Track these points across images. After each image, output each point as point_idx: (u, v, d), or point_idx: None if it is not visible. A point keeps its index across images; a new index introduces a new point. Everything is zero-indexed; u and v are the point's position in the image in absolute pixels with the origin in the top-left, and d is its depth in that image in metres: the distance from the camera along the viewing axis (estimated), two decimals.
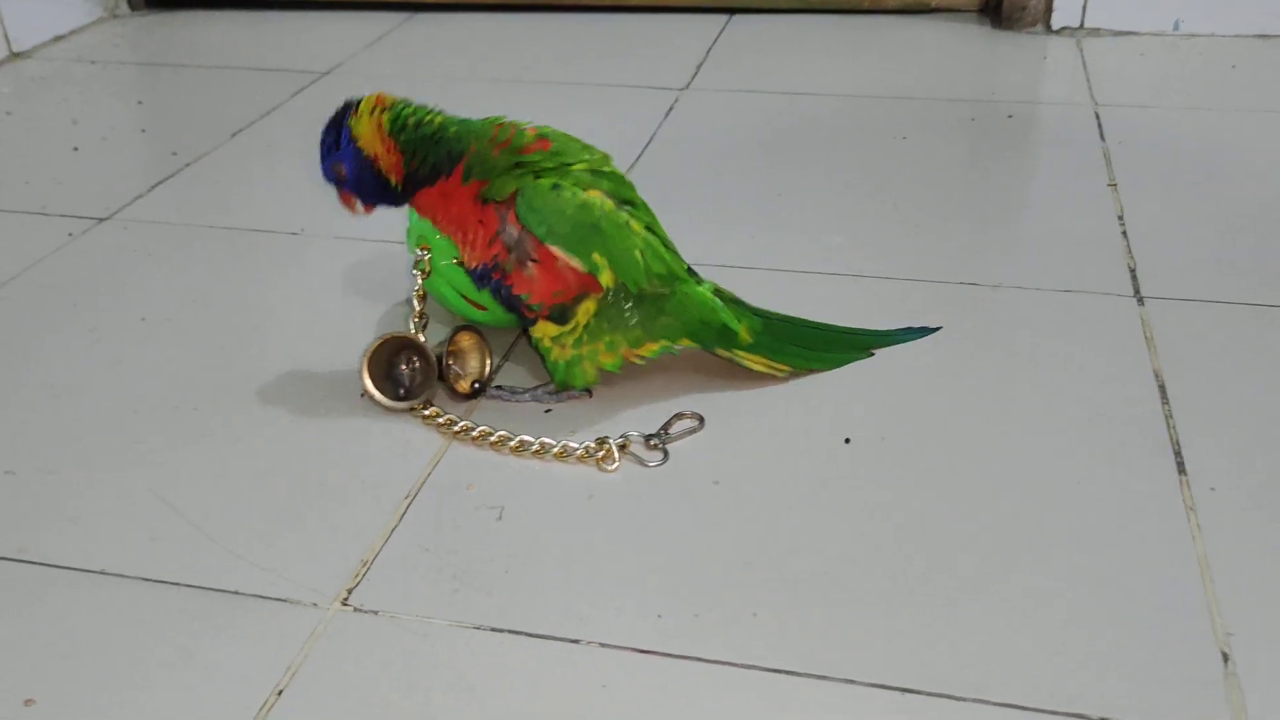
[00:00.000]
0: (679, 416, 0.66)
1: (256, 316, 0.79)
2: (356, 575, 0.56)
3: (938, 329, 0.74)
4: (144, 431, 0.67)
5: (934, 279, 0.81)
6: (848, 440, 0.65)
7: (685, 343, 0.67)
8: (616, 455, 0.63)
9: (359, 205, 0.66)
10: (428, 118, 0.63)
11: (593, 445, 0.64)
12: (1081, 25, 1.28)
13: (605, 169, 0.65)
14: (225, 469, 0.64)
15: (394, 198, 0.65)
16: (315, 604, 0.54)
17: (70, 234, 0.91)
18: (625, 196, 0.65)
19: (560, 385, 0.68)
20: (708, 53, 1.28)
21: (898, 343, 0.73)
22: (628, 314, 0.65)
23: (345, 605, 0.54)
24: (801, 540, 0.58)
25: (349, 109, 0.64)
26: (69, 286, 0.83)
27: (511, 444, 0.64)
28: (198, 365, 0.73)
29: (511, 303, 0.65)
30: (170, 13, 1.47)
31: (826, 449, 0.64)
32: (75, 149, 1.07)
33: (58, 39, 1.38)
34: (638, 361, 0.67)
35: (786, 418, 0.67)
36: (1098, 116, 1.07)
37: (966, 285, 0.80)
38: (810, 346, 0.70)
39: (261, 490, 0.62)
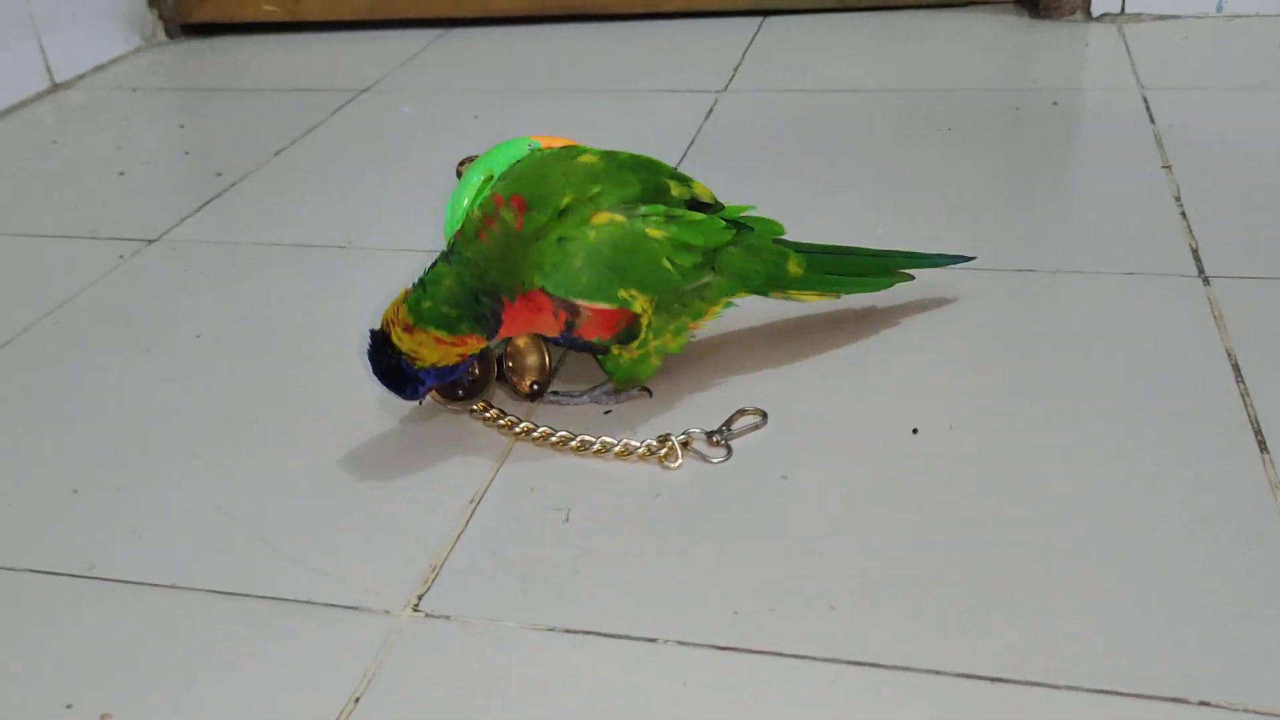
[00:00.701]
0: (741, 413, 0.65)
1: (309, 329, 0.79)
2: (426, 581, 0.55)
3: (973, 258, 0.75)
4: (204, 445, 0.67)
5: (991, 268, 0.79)
6: (915, 430, 0.63)
7: (742, 294, 0.67)
8: (679, 452, 0.62)
9: (465, 379, 0.65)
10: (436, 278, 0.61)
11: (654, 443, 0.63)
12: (1122, 11, 1.26)
13: (592, 186, 0.61)
14: (286, 480, 0.63)
15: (490, 336, 0.62)
16: (387, 610, 0.54)
17: (121, 256, 0.91)
18: (627, 194, 0.62)
19: (620, 384, 0.67)
20: (744, 55, 1.27)
21: (932, 266, 0.73)
22: (684, 298, 0.65)
23: (417, 611, 0.54)
24: (874, 532, 0.56)
25: (380, 343, 0.61)
26: (123, 307, 0.84)
27: (573, 444, 0.63)
28: (254, 379, 0.73)
29: (588, 347, 0.65)
30: (206, 39, 1.49)
31: (894, 439, 0.63)
32: (121, 174, 1.08)
33: (98, 68, 1.40)
34: (703, 327, 0.67)
35: (849, 409, 0.66)
36: (1145, 100, 1.05)
37: (1025, 272, 0.79)
38: (853, 272, 0.71)
39: (324, 499, 0.61)
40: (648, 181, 0.63)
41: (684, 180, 0.66)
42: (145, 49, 1.47)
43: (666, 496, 0.60)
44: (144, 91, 1.32)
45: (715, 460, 0.62)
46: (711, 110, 1.12)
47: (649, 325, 0.64)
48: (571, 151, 0.64)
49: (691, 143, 1.05)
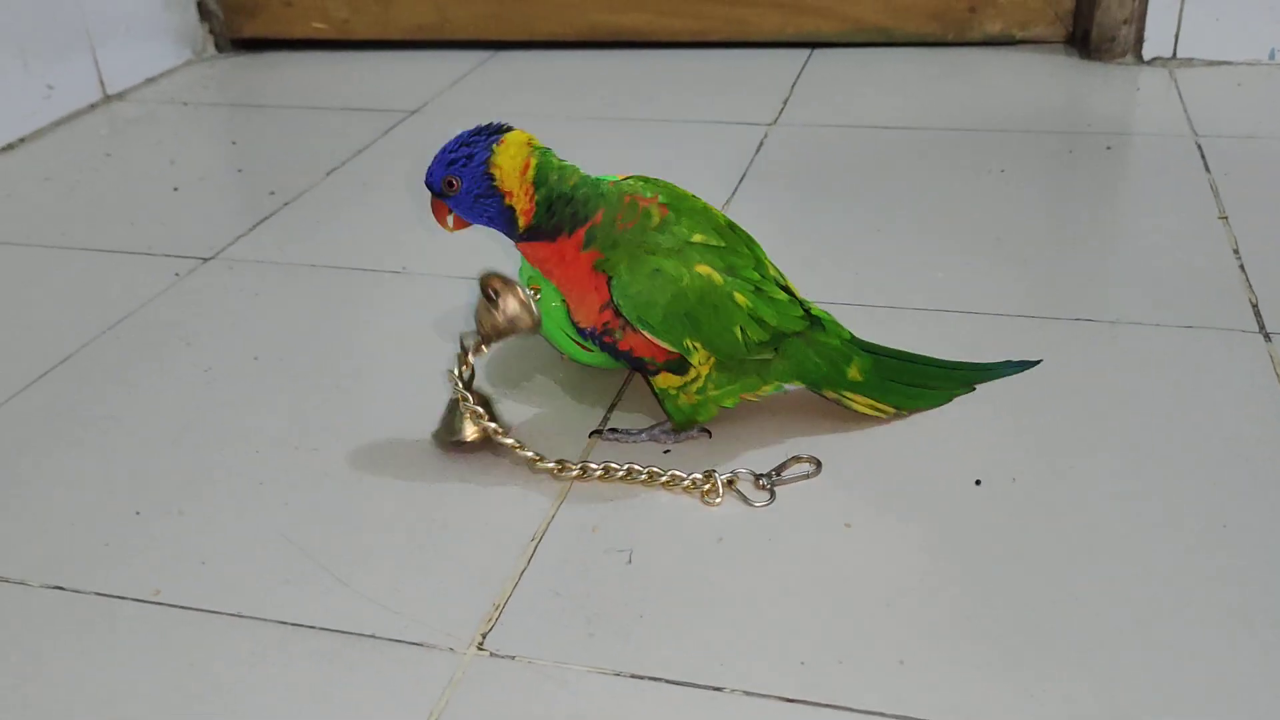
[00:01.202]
0: (795, 459, 0.65)
1: (365, 356, 0.79)
2: (490, 619, 0.55)
3: (1038, 362, 0.72)
4: (266, 472, 0.67)
5: (1046, 315, 0.79)
6: (978, 482, 0.63)
7: (797, 383, 0.67)
8: (721, 490, 0.62)
9: (450, 220, 0.64)
10: (568, 174, 0.63)
11: (699, 477, 0.63)
12: (1174, 55, 1.26)
13: (718, 240, 0.63)
14: (349, 511, 0.63)
15: (512, 234, 0.64)
16: (452, 649, 0.54)
17: (177, 274, 0.92)
18: (735, 261, 0.63)
19: (680, 425, 0.67)
20: (793, 87, 1.28)
21: (999, 376, 0.72)
22: (743, 366, 0.65)
23: (481, 650, 0.54)
24: (942, 584, 0.56)
25: (495, 133, 0.62)
26: (180, 326, 0.84)
27: (620, 474, 0.64)
28: (313, 404, 0.74)
29: (635, 363, 0.65)
30: (255, 54, 1.50)
31: (957, 491, 0.63)
32: (175, 189, 1.09)
33: (149, 81, 1.41)
34: (754, 399, 0.67)
35: (908, 460, 0.65)
36: (1200, 148, 1.05)
37: (1081, 321, 0.78)
38: (915, 382, 0.69)
39: (387, 532, 0.62)
40: (751, 256, 0.65)
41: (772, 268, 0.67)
42: (195, 62, 1.48)
43: (730, 542, 0.60)
44: (195, 106, 1.33)
45: (758, 504, 0.62)
46: (762, 144, 1.12)
47: (707, 376, 0.64)
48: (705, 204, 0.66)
49: (743, 177, 1.05)
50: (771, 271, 0.66)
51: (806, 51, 1.39)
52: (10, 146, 1.21)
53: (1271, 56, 1.24)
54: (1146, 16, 1.25)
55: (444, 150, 0.62)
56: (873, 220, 0.95)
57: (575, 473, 0.64)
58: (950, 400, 0.70)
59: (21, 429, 0.72)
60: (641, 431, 0.68)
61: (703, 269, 0.62)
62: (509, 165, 0.61)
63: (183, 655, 0.54)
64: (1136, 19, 1.26)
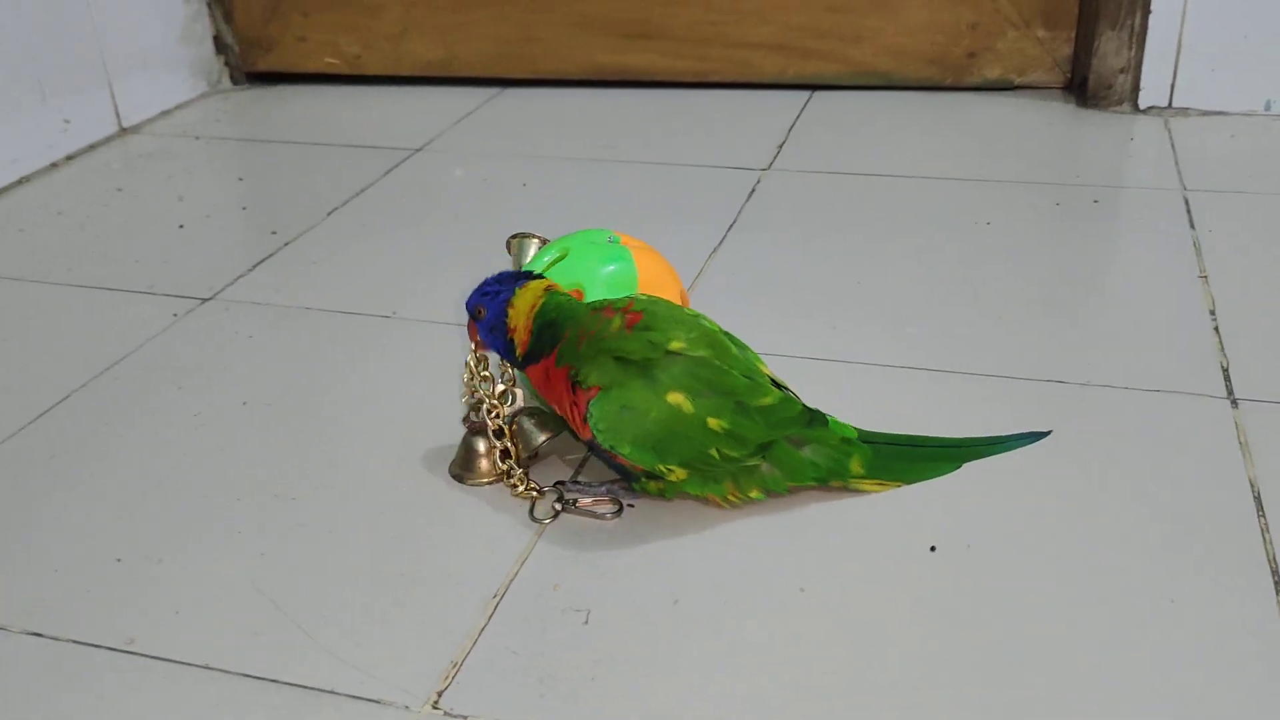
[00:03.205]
0: (604, 500, 0.69)
1: (350, 402, 0.82)
2: (447, 677, 0.57)
3: (1047, 433, 0.73)
4: (244, 521, 0.69)
5: (1018, 375, 0.80)
6: (933, 548, 0.64)
7: (792, 486, 0.68)
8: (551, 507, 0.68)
9: (479, 339, 0.70)
10: (557, 301, 0.67)
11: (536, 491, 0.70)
12: (1169, 104, 1.27)
13: (699, 349, 0.65)
14: (320, 561, 0.66)
15: (514, 361, 0.69)
16: (407, 706, 0.56)
17: (175, 314, 0.95)
18: (718, 369, 0.65)
19: (639, 490, 0.69)
20: (789, 131, 1.29)
21: (1009, 449, 0.72)
22: (719, 472, 0.66)
23: (436, 709, 0.55)
24: (896, 649, 0.58)
25: (523, 278, 0.69)
26: (174, 369, 0.87)
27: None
28: (296, 451, 0.76)
29: (617, 467, 0.68)
30: (268, 87, 1.54)
31: (912, 556, 0.64)
32: (181, 226, 1.12)
33: (164, 114, 1.45)
34: (725, 505, 0.68)
35: (867, 522, 0.67)
36: (1187, 202, 1.06)
37: (1052, 383, 0.80)
38: (920, 460, 0.71)
39: (355, 584, 0.64)
40: (741, 360, 0.66)
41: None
42: (210, 95, 1.52)
43: (685, 603, 0.62)
44: (207, 140, 1.37)
45: (543, 519, 0.68)
46: (754, 190, 1.14)
47: (682, 480, 0.66)
48: (696, 315, 0.68)
49: (732, 224, 1.07)
50: (765, 373, 0.67)
51: (807, 94, 1.41)
52: (27, 179, 1.25)
53: (1267, 108, 1.25)
54: (1143, 65, 1.26)
55: (484, 283, 0.70)
56: (854, 272, 0.97)
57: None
58: (959, 468, 0.71)
59: (16, 471, 0.75)
60: (602, 484, 0.70)
61: (674, 397, 0.64)
62: (522, 305, 0.67)
63: (151, 706, 0.56)
64: (1133, 68, 1.27)
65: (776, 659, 0.58)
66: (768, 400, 0.65)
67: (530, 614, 0.61)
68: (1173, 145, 1.19)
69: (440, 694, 0.56)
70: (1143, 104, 1.28)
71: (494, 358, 0.71)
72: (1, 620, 0.62)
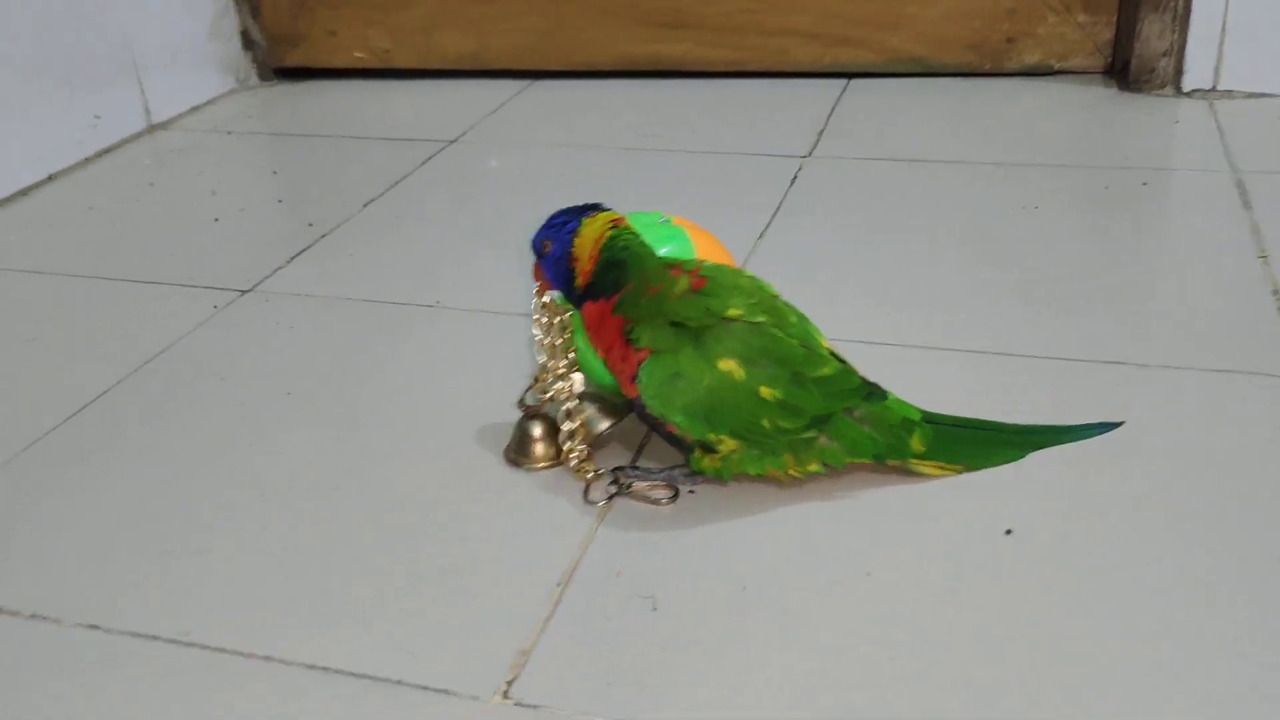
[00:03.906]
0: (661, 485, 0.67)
1: (395, 391, 0.80)
2: (515, 667, 0.56)
3: (1119, 424, 0.70)
4: (295, 511, 0.68)
5: (1075, 357, 0.79)
6: (1009, 531, 0.63)
7: (849, 461, 0.66)
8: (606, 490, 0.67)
9: (544, 278, 0.69)
10: (626, 240, 0.66)
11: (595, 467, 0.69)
12: (1214, 87, 1.25)
13: (758, 316, 0.63)
14: (375, 552, 0.64)
15: (572, 296, 0.67)
16: (476, 696, 0.54)
17: (215, 306, 0.94)
18: (776, 337, 0.63)
19: (697, 471, 0.67)
20: (828, 119, 1.28)
21: (1077, 439, 0.70)
22: (777, 444, 0.64)
23: (506, 699, 0.54)
24: (966, 634, 0.56)
25: (590, 209, 0.68)
26: (216, 360, 0.86)
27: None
28: (344, 442, 0.74)
29: (667, 436, 0.66)
30: (297, 83, 1.53)
31: (985, 540, 0.62)
32: (216, 220, 1.11)
33: (194, 109, 1.44)
34: (786, 480, 0.66)
35: (934, 508, 0.65)
36: (1240, 184, 1.04)
37: (1113, 364, 0.78)
38: (983, 445, 0.68)
39: (412, 575, 0.62)
40: (800, 329, 0.65)
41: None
42: (239, 91, 1.51)
43: (754, 589, 0.60)
44: (238, 135, 1.36)
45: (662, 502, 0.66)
46: (796, 177, 1.13)
47: (735, 451, 0.64)
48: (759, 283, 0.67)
49: (776, 210, 1.05)
50: (824, 345, 0.66)
51: (844, 82, 1.39)
52: (57, 175, 1.24)
53: None
54: (1186, 48, 1.24)
55: (550, 217, 0.68)
56: (904, 256, 0.95)
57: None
58: (1024, 456, 0.68)
59: (60, 463, 0.74)
60: (661, 471, 0.68)
61: (726, 364, 0.62)
62: (589, 235, 0.66)
63: (212, 697, 0.55)
64: (1176, 51, 1.25)
65: (846, 645, 0.56)
66: (825, 371, 0.64)
67: (595, 602, 0.60)
68: (1219, 128, 1.17)
69: (509, 684, 0.55)
70: (1186, 87, 1.26)
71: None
72: (55, 613, 0.61)
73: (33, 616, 0.61)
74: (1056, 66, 1.35)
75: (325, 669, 0.56)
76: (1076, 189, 1.06)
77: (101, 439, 0.76)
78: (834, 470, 0.66)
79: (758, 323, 0.63)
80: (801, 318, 0.66)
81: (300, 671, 0.56)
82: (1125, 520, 0.63)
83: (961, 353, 0.80)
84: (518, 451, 0.71)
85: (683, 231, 0.73)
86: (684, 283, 0.64)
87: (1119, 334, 0.81)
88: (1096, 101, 1.28)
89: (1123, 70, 1.30)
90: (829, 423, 0.64)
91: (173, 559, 0.65)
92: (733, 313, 0.63)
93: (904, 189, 1.09)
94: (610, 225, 0.66)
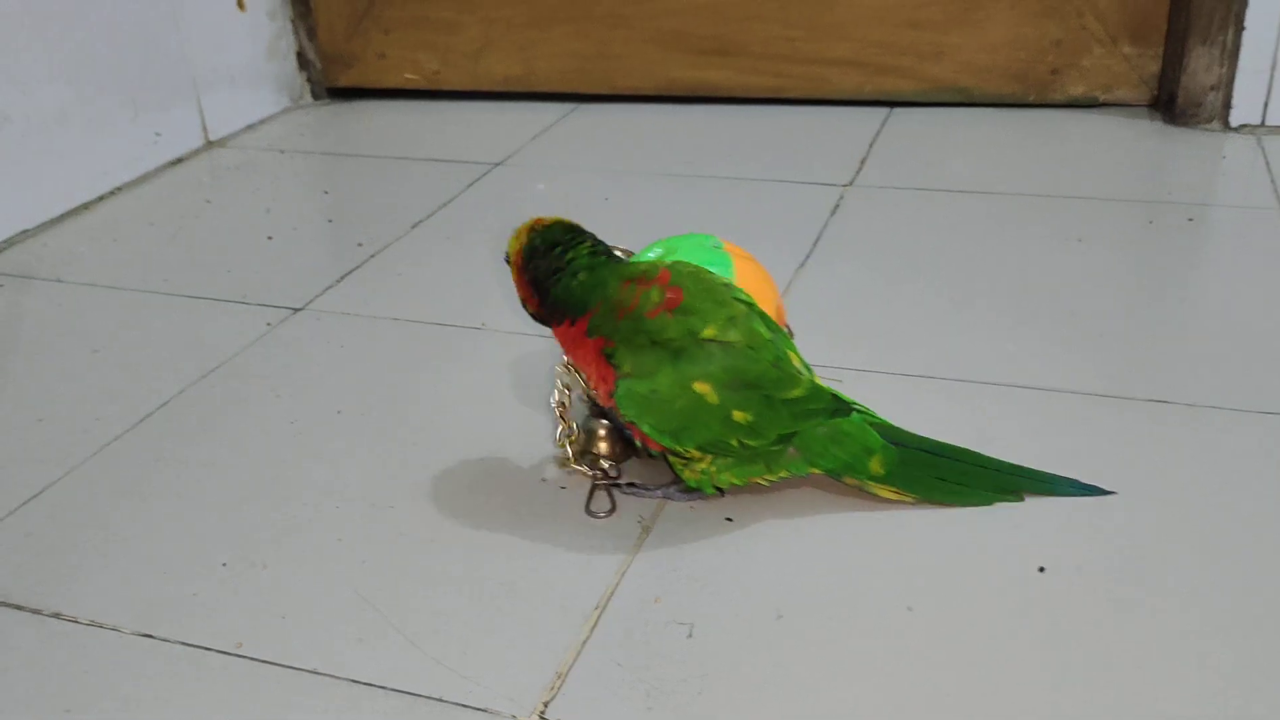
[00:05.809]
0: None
1: (443, 412, 0.82)
2: (552, 688, 0.57)
3: (1111, 493, 0.69)
4: (345, 528, 0.70)
5: (1120, 394, 0.79)
6: (1042, 569, 0.63)
7: (813, 471, 0.68)
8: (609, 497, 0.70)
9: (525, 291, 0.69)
10: (557, 251, 0.65)
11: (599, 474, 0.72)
12: (1263, 123, 1.24)
13: (731, 334, 0.63)
14: (422, 570, 0.66)
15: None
16: (514, 716, 0.56)
17: (269, 323, 0.96)
18: (749, 358, 0.64)
19: (691, 487, 0.68)
20: (870, 147, 1.29)
21: (1056, 493, 0.69)
22: (748, 456, 0.66)
23: (543, 719, 0.55)
24: (1001, 672, 0.56)
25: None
26: (270, 376, 0.88)
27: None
28: (392, 460, 0.76)
29: (646, 449, 0.68)
30: (349, 102, 1.56)
31: (1020, 576, 0.63)
32: (270, 238, 1.14)
33: (249, 128, 1.48)
34: (764, 483, 0.68)
35: (971, 542, 0.66)
36: None
37: (1156, 403, 0.78)
38: (949, 478, 0.68)
39: (457, 593, 0.64)
40: (772, 346, 0.65)
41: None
42: (293, 110, 1.54)
43: (789, 619, 0.61)
44: (291, 154, 1.39)
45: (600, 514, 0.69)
46: (838, 205, 1.14)
47: (711, 462, 0.66)
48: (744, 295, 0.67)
49: (817, 240, 1.06)
50: (796, 361, 0.66)
51: (885, 110, 1.40)
52: (119, 190, 1.28)
53: None
54: (1235, 82, 1.24)
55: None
56: (945, 289, 0.96)
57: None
58: (992, 504, 0.68)
59: (121, 473, 0.77)
60: (658, 488, 0.70)
61: (701, 387, 0.63)
62: (512, 252, 0.68)
63: (262, 710, 0.57)
64: (1224, 84, 1.25)
65: (884, 678, 0.57)
66: (796, 392, 0.65)
67: (633, 627, 0.61)
68: (1268, 164, 1.17)
69: (546, 705, 0.56)
70: (1234, 122, 1.25)
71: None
72: (113, 622, 0.63)
73: (91, 624, 0.63)
74: (1101, 99, 1.35)
75: (369, 684, 0.58)
76: (1120, 223, 1.07)
77: (161, 450, 0.79)
78: (798, 478, 0.69)
79: (731, 343, 0.63)
80: (774, 328, 0.66)
81: (346, 686, 0.58)
82: (1173, 559, 0.63)
83: (995, 386, 0.81)
84: (585, 447, 0.74)
85: (729, 260, 0.74)
86: (655, 295, 0.64)
87: (1162, 373, 0.82)
88: (1141, 134, 1.28)
89: (1169, 103, 1.30)
90: (797, 437, 0.66)
91: (230, 571, 0.67)
92: (708, 333, 0.63)
93: (946, 220, 1.10)
94: (525, 235, 0.66)
